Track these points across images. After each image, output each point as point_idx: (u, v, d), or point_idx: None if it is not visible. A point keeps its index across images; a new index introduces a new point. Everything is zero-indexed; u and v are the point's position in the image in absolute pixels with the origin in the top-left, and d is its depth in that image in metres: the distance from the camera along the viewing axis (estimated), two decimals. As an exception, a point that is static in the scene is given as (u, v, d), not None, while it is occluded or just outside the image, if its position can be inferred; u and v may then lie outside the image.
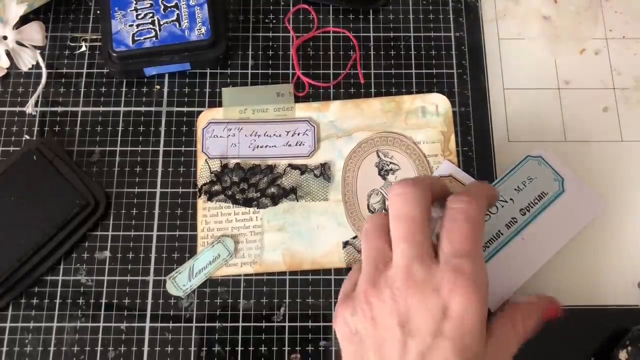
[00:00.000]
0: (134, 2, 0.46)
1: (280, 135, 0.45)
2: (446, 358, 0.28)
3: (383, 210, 0.43)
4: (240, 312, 0.42)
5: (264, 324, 0.41)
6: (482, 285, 0.30)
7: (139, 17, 0.45)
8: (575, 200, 0.42)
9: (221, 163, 0.44)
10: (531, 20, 0.49)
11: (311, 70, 0.47)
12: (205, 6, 0.46)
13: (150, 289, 0.42)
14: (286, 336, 0.41)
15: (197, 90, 0.47)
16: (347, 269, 0.42)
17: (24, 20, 0.46)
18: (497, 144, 0.45)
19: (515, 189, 0.43)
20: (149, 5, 0.46)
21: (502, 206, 0.42)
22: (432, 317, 0.29)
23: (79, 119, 0.46)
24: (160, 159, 0.45)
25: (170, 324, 0.41)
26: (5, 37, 0.45)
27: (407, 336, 0.29)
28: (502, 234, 0.42)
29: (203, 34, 0.45)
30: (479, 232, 0.32)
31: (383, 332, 0.30)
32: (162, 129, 0.46)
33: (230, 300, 0.42)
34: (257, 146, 0.45)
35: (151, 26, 0.45)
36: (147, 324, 0.41)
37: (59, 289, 0.42)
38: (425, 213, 0.32)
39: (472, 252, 0.31)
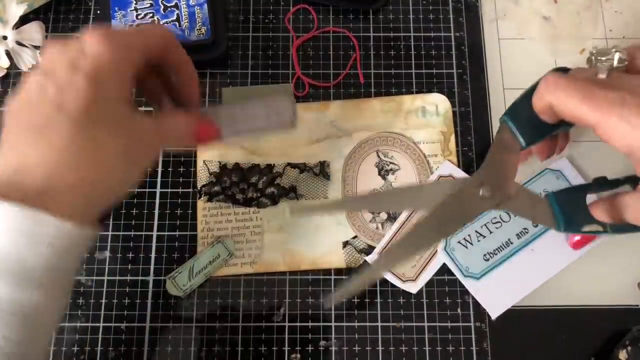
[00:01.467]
0: (134, 2, 0.46)
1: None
2: (79, 89, 0.30)
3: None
4: (240, 312, 0.42)
5: (264, 324, 0.41)
6: (120, 41, 0.32)
7: (139, 17, 0.45)
8: None
9: (220, 164, 0.44)
10: (531, 20, 0.49)
11: (311, 70, 0.47)
12: (205, 6, 0.46)
13: (150, 289, 0.42)
14: (286, 336, 0.41)
15: (197, 90, 0.47)
16: (347, 269, 0.42)
17: (24, 20, 0.46)
18: (497, 144, 0.45)
19: None
20: (149, 5, 0.46)
21: (515, 216, 0.42)
22: (68, 57, 0.31)
23: (79, 119, 0.46)
24: (160, 159, 0.45)
25: (170, 324, 0.41)
26: (5, 37, 0.45)
27: (45, 79, 0.30)
28: (512, 242, 0.42)
29: (203, 34, 0.45)
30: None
31: (30, 88, 0.31)
32: (162, 129, 0.46)
33: (230, 300, 0.42)
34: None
35: (151, 26, 0.45)
36: (147, 324, 0.41)
37: (59, 289, 0.42)
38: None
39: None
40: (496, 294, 0.41)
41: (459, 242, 0.42)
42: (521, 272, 0.41)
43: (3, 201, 0.27)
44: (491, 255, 0.41)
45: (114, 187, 0.32)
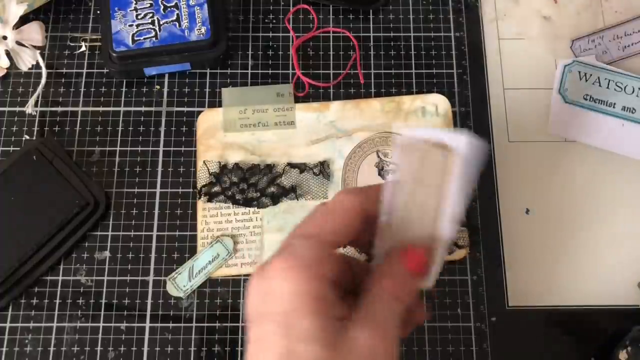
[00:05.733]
0: (134, 2, 0.46)
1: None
2: None
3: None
4: (240, 312, 0.42)
5: (263, 324, 0.41)
6: None
7: (139, 17, 0.45)
8: None
9: (220, 164, 0.44)
10: (531, 20, 0.49)
11: (311, 70, 0.47)
12: (205, 6, 0.46)
13: (150, 289, 0.42)
14: (286, 336, 0.41)
15: (197, 90, 0.47)
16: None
17: (24, 20, 0.46)
18: (497, 144, 0.45)
19: None
20: (149, 5, 0.46)
21: None
22: None
23: (78, 119, 0.46)
24: (160, 159, 0.45)
25: (170, 324, 0.41)
26: (5, 37, 0.45)
27: None
28: None
29: (203, 34, 0.45)
30: None
31: None
32: (162, 129, 0.46)
33: (230, 300, 0.42)
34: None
35: (151, 26, 0.45)
36: (147, 324, 0.41)
37: (59, 289, 0.42)
38: None
39: None
40: None
41: None
42: None
43: None
44: None
45: None
